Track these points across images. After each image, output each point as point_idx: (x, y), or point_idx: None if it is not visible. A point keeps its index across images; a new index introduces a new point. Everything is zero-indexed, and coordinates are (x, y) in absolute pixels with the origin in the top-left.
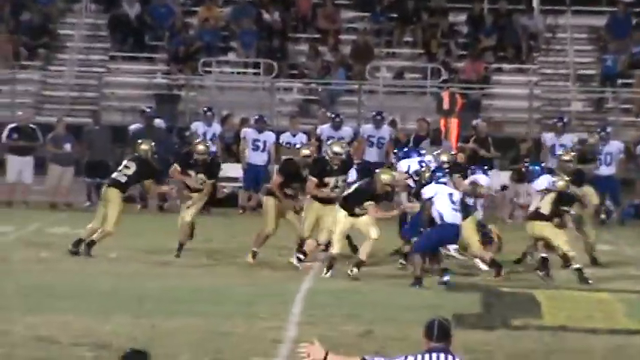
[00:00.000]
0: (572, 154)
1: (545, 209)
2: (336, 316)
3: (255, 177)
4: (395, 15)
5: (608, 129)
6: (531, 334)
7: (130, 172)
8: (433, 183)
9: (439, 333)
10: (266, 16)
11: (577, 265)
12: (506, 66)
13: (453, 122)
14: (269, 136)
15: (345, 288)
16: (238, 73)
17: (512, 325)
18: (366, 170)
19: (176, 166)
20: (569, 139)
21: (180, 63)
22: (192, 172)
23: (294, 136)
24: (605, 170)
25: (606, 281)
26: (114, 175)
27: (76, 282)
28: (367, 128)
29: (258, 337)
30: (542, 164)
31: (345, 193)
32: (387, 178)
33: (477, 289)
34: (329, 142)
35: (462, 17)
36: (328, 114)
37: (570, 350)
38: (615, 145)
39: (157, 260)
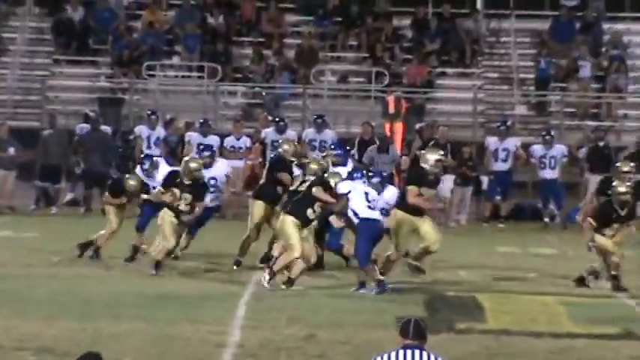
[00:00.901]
0: (632, 164)
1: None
2: (279, 319)
3: None
4: (339, 19)
5: (552, 132)
6: (475, 338)
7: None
8: (348, 180)
9: (414, 331)
10: (210, 19)
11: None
12: (450, 70)
13: (399, 126)
14: (214, 140)
15: (288, 292)
16: (182, 76)
17: (456, 328)
18: None
19: (159, 188)
20: (513, 143)
21: (124, 66)
22: (176, 191)
23: (238, 139)
24: (548, 174)
25: (550, 285)
26: None
27: (20, 286)
28: (309, 132)
29: (201, 342)
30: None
31: (294, 198)
32: (337, 181)
33: (421, 293)
34: (423, 152)
35: (407, 21)
36: (269, 117)
37: (514, 354)
38: (559, 149)
39: (101, 264)
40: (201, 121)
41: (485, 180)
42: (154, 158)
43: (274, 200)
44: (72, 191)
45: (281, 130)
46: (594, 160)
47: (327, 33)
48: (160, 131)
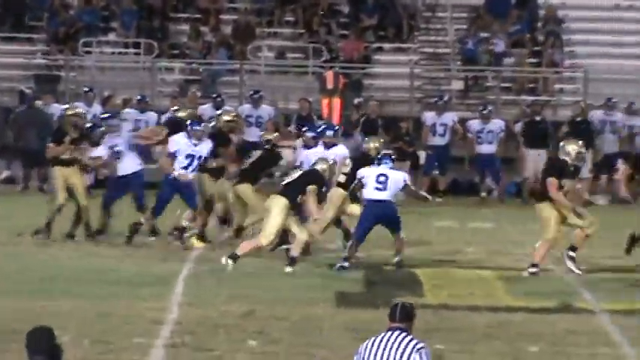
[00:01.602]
0: None
1: None
2: (218, 296)
3: None
4: None
5: (489, 107)
6: None
7: None
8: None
9: (401, 314)
10: None
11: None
12: (386, 45)
13: (337, 102)
14: (151, 117)
15: (227, 270)
16: (119, 53)
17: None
18: (246, 151)
19: (52, 145)
20: (450, 117)
21: (60, 43)
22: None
23: None
24: (486, 148)
25: (487, 259)
26: None
27: None
28: (245, 108)
29: (140, 318)
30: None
31: (288, 180)
32: (325, 168)
33: (360, 268)
34: (562, 143)
35: None
36: (198, 94)
37: (453, 328)
38: (497, 124)
39: (38, 242)
40: (139, 97)
41: (422, 155)
42: (206, 124)
43: (219, 174)
44: (8, 169)
45: (218, 106)
46: (530, 134)
47: (263, 9)
48: (97, 108)
